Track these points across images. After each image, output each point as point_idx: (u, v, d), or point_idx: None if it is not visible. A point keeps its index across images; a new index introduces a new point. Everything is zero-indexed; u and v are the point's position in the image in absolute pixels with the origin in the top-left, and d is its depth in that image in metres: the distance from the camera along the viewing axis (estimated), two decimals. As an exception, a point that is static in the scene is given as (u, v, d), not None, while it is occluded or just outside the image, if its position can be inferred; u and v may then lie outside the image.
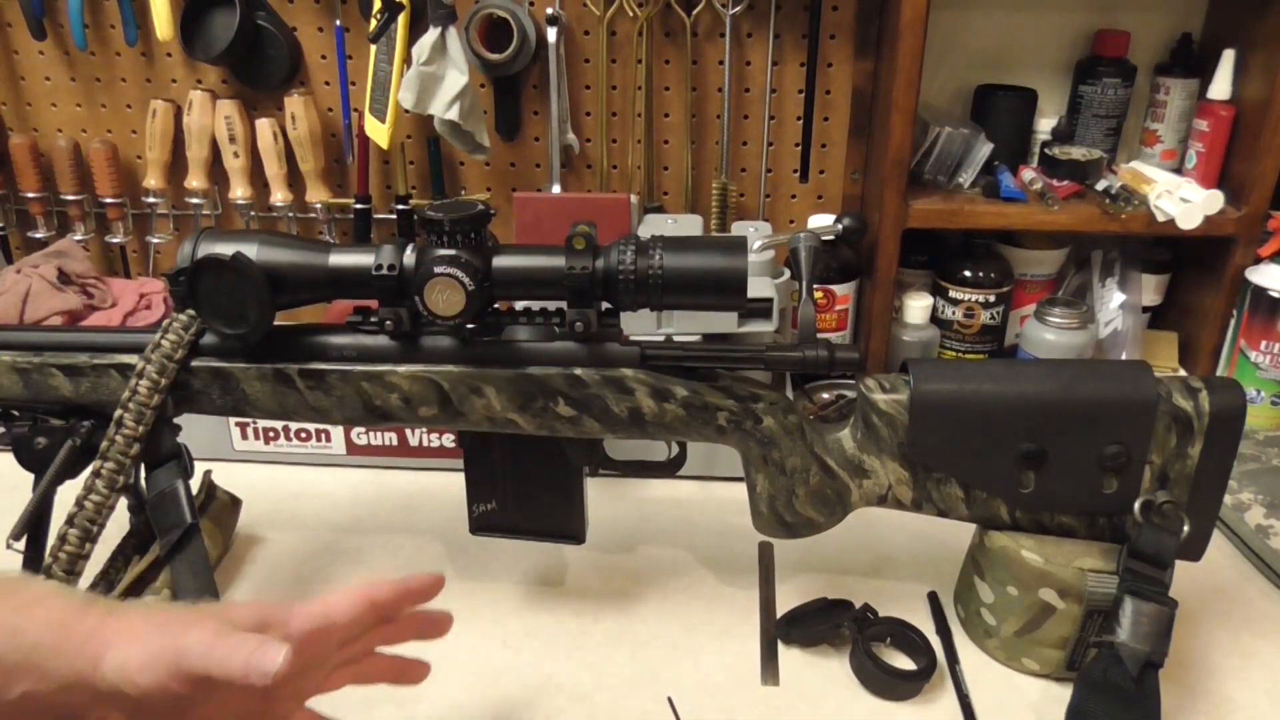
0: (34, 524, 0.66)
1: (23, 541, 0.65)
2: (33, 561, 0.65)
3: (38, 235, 1.20)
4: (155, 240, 1.19)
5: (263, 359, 0.65)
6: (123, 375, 0.65)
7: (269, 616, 0.50)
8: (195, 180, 1.15)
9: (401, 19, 1.02)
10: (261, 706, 0.51)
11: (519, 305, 0.67)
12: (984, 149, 1.02)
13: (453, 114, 1.03)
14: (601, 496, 0.89)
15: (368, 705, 0.65)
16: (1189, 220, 0.96)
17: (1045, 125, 1.08)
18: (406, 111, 1.04)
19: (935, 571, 0.78)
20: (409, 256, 0.62)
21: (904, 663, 0.69)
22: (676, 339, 0.67)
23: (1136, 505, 0.64)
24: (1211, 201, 0.96)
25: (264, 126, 1.13)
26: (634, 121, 1.12)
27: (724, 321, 0.84)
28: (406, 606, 0.58)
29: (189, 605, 0.51)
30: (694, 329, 0.86)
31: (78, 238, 1.18)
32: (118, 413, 0.63)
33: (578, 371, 0.65)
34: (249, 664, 0.45)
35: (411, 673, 0.60)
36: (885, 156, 0.97)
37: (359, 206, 1.15)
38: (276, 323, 0.64)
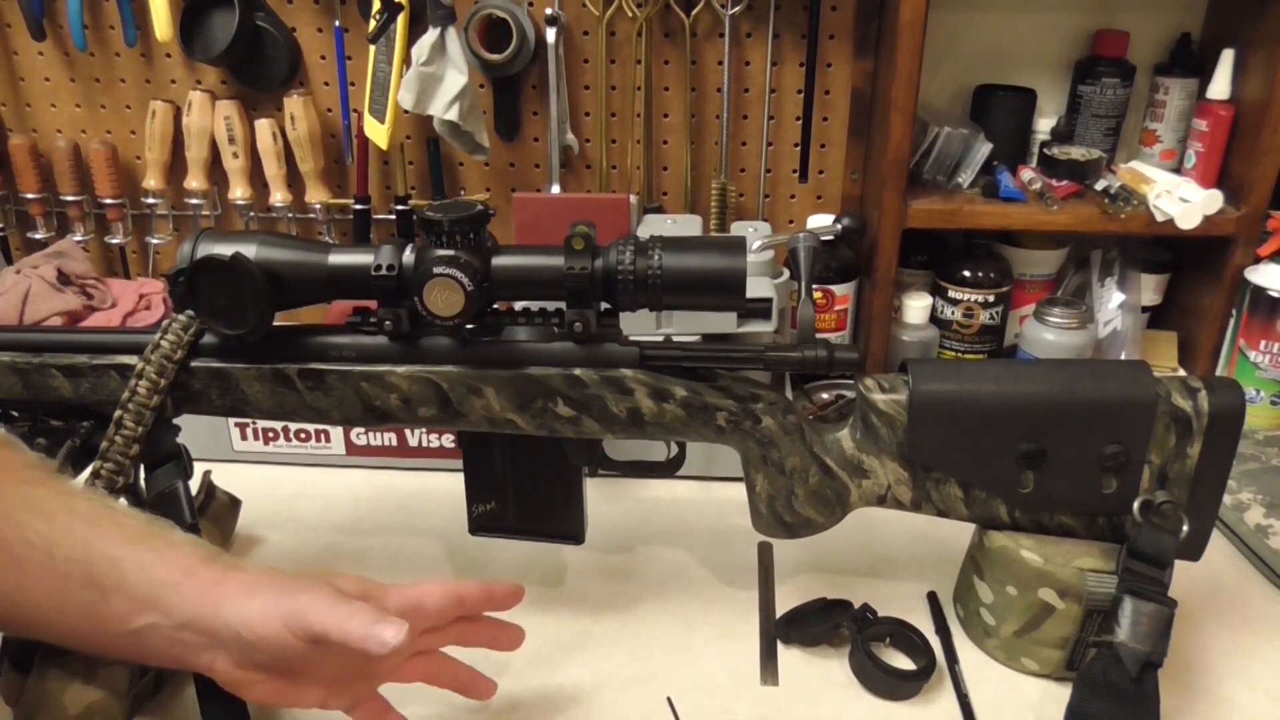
0: (33, 524, 0.66)
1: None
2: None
3: (37, 236, 1.20)
4: (155, 241, 1.19)
5: (262, 359, 0.65)
6: (122, 376, 0.65)
7: (369, 591, 0.55)
8: (195, 181, 1.15)
9: (401, 19, 1.02)
10: (347, 676, 0.56)
11: (518, 305, 0.67)
12: (983, 149, 1.02)
13: (452, 114, 1.03)
14: (601, 496, 0.89)
15: (367, 705, 0.66)
16: (1188, 220, 0.96)
17: (1044, 125, 1.08)
18: (406, 112, 1.04)
19: (935, 571, 0.78)
20: (408, 257, 0.62)
21: (903, 663, 0.69)
22: (676, 339, 0.67)
23: (1136, 505, 0.64)
24: (1211, 201, 0.96)
25: (263, 127, 1.13)
26: (633, 122, 1.12)
27: (723, 321, 0.84)
28: (486, 609, 0.61)
29: (308, 574, 0.55)
30: (693, 329, 0.86)
31: (77, 238, 1.18)
32: (117, 413, 0.63)
33: (577, 372, 0.65)
34: (369, 632, 0.50)
35: (480, 686, 0.62)
36: (885, 156, 0.97)
37: (358, 207, 1.15)
38: (276, 323, 0.64)
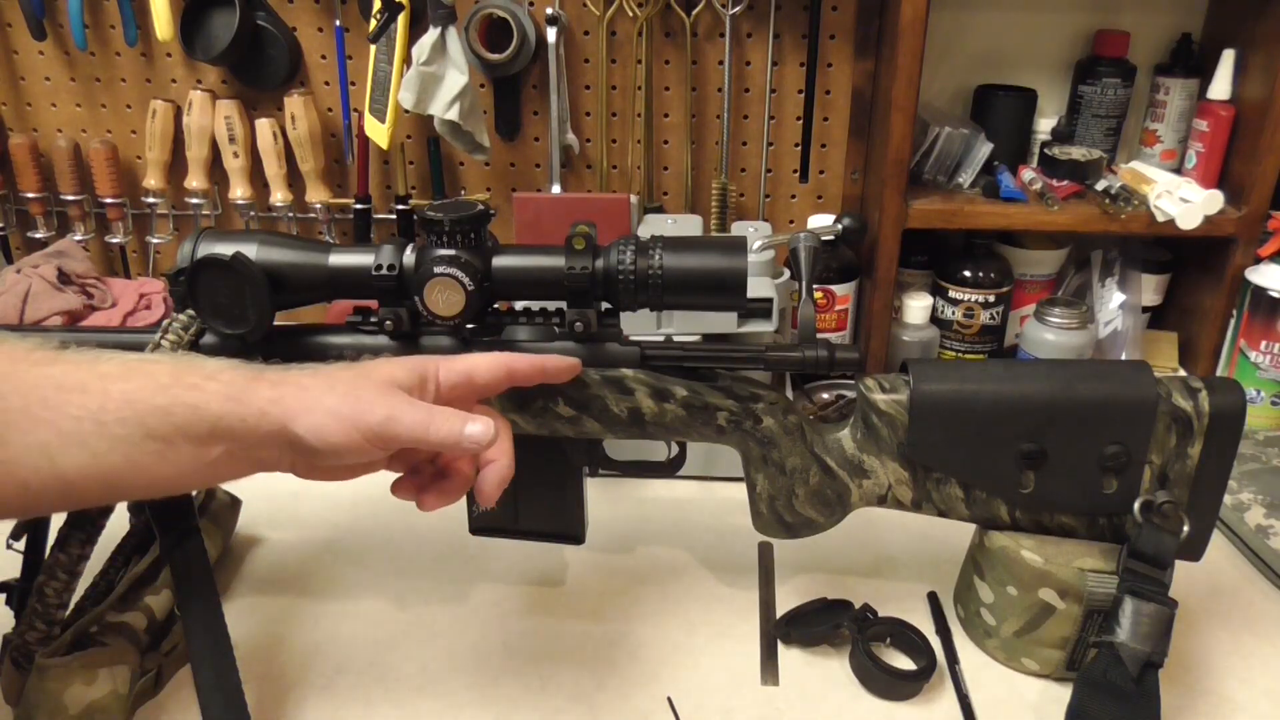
0: (34, 524, 0.66)
1: (23, 541, 0.65)
2: (32, 562, 0.65)
3: (38, 235, 1.20)
4: (155, 240, 1.19)
5: (262, 359, 0.65)
6: (123, 375, 0.65)
7: (424, 371, 0.56)
8: (195, 180, 1.15)
9: (401, 19, 1.02)
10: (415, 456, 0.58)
11: (519, 305, 0.67)
12: (984, 149, 1.02)
13: (453, 114, 1.03)
14: (601, 496, 0.89)
15: (368, 705, 0.66)
16: (1189, 220, 0.96)
17: (1045, 125, 1.09)
18: (406, 111, 1.04)
19: (935, 571, 0.78)
20: (409, 257, 0.62)
21: (904, 663, 0.69)
22: (676, 339, 0.67)
23: (1136, 505, 0.64)
24: (1211, 201, 0.96)
25: (264, 126, 1.13)
26: (634, 121, 1.12)
27: (724, 321, 0.84)
28: (538, 380, 0.62)
29: (349, 366, 0.55)
30: (694, 329, 0.86)
31: (78, 238, 1.18)
32: (118, 413, 0.63)
33: (578, 371, 0.64)
34: (461, 436, 0.52)
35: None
36: (885, 156, 0.97)
37: (359, 206, 1.15)
38: (276, 323, 0.64)
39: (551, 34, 1.06)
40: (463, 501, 0.74)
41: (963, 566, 0.73)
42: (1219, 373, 1.04)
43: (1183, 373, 1.07)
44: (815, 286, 1.03)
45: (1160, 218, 0.97)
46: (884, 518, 0.72)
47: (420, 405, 0.53)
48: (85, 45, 1.11)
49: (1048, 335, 1.01)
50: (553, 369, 0.62)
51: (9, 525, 0.65)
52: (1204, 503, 0.65)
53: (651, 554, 0.82)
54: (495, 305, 0.66)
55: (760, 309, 0.85)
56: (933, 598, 0.76)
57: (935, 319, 1.08)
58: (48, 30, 1.13)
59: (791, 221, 1.17)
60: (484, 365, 0.58)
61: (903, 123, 0.95)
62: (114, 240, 1.20)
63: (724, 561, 0.80)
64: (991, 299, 1.06)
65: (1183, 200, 0.96)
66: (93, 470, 0.49)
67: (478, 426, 0.52)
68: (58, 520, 0.62)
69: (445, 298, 0.60)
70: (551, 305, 0.65)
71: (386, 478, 0.56)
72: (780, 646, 0.71)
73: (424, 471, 0.58)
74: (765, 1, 1.05)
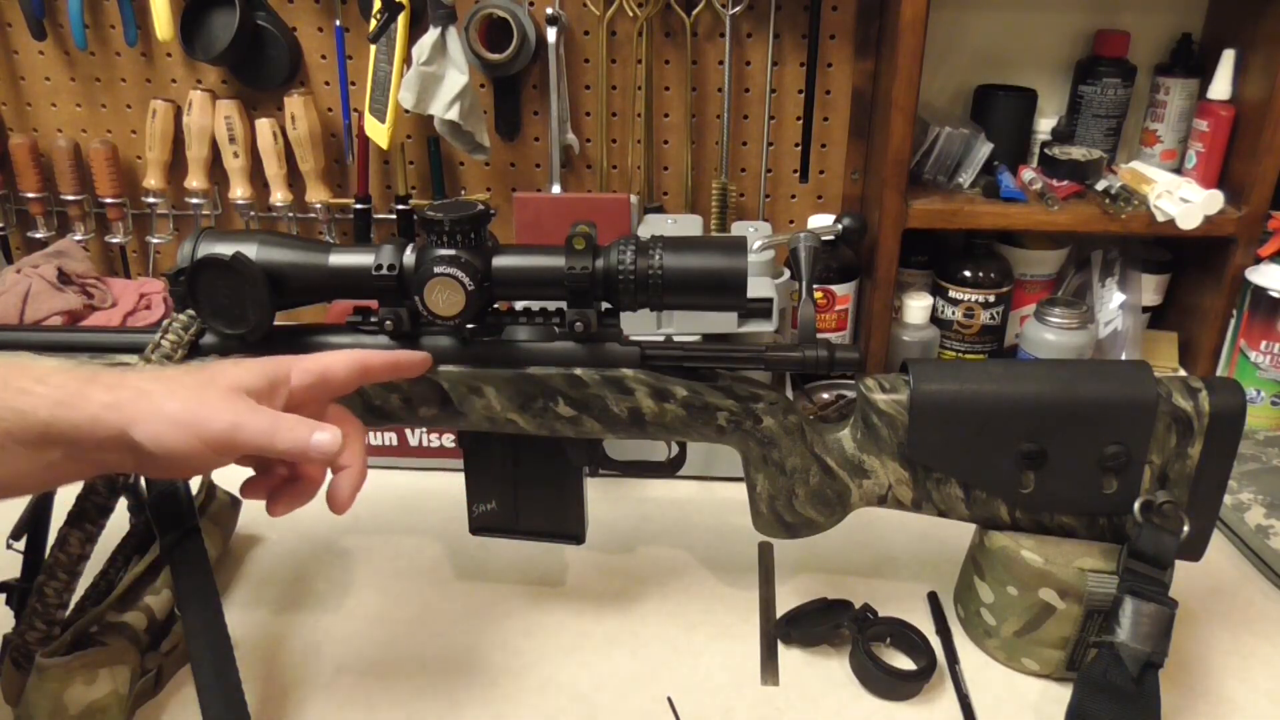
0: (34, 524, 0.66)
1: (23, 541, 0.65)
2: (32, 562, 0.65)
3: (38, 235, 1.20)
4: (155, 240, 1.19)
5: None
6: (123, 375, 0.65)
7: (274, 375, 0.54)
8: (195, 180, 1.15)
9: (401, 19, 1.02)
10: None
11: (519, 305, 0.67)
12: (984, 149, 1.02)
13: (453, 114, 1.03)
14: (601, 496, 0.89)
15: (368, 705, 0.66)
16: (1189, 220, 0.96)
17: (1045, 125, 1.09)
18: (406, 111, 1.04)
19: (935, 571, 0.78)
20: (409, 256, 0.62)
21: (904, 663, 0.69)
22: (676, 339, 0.67)
23: (1136, 505, 0.64)
24: (1211, 201, 0.96)
25: (264, 126, 1.13)
26: (634, 121, 1.12)
27: (724, 321, 0.84)
28: (391, 376, 0.62)
29: (195, 368, 0.54)
30: (694, 329, 0.86)
31: (78, 238, 1.18)
32: (118, 412, 0.63)
33: (578, 371, 0.64)
34: (308, 445, 0.50)
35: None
36: (885, 156, 0.97)
37: (359, 206, 1.15)
38: (276, 323, 0.64)
39: (551, 34, 1.06)
40: (463, 501, 0.74)
41: (963, 566, 0.73)
42: (1219, 373, 1.04)
43: (1183, 373, 1.07)
44: (815, 286, 1.03)
45: (1160, 218, 0.97)
46: (884, 518, 0.72)
47: (265, 413, 0.51)
48: (85, 45, 1.11)
49: (1048, 335, 1.01)
50: (404, 363, 0.61)
51: (9, 525, 0.65)
52: (1204, 503, 0.65)
53: (651, 554, 0.82)
54: (495, 305, 0.66)
55: (760, 309, 0.85)
56: (933, 598, 0.76)
57: (935, 319, 1.08)
58: (48, 30, 1.13)
59: (791, 221, 1.17)
60: (338, 363, 0.57)
61: (903, 123, 0.95)
62: (114, 240, 1.20)
63: (724, 561, 0.80)
64: (991, 299, 1.06)
65: (1183, 200, 0.96)
66: None
67: (325, 435, 0.51)
68: (58, 520, 0.63)
69: (445, 298, 0.60)
70: (551, 305, 0.65)
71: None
72: (780, 646, 0.71)
73: (275, 472, 0.57)
74: (765, 1, 1.05)
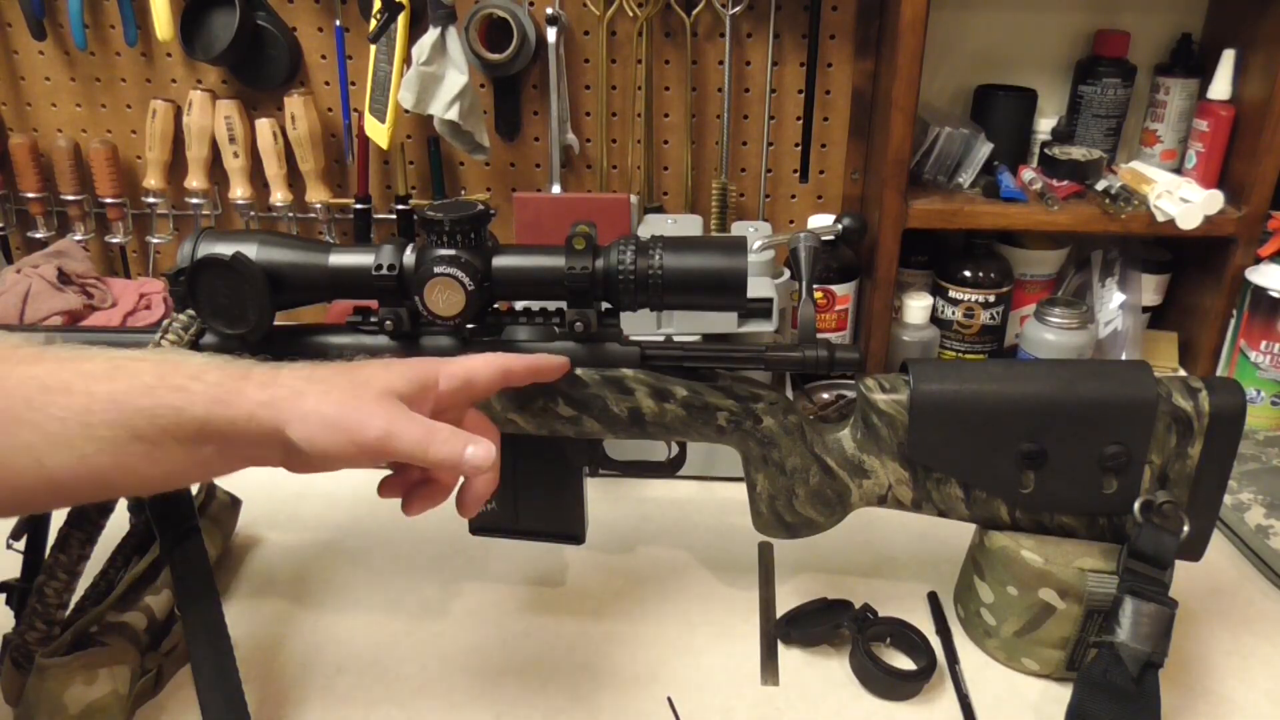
0: (34, 524, 0.66)
1: (23, 541, 0.65)
2: (32, 562, 0.65)
3: (38, 235, 1.20)
4: (155, 240, 1.19)
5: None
6: (123, 375, 0.65)
7: (424, 380, 0.54)
8: (195, 180, 1.15)
9: (401, 19, 1.02)
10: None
11: (519, 305, 0.67)
12: (984, 149, 1.02)
13: (453, 114, 1.03)
14: (601, 496, 0.89)
15: (368, 705, 0.66)
16: (1189, 220, 0.96)
17: (1045, 125, 1.09)
18: (406, 111, 1.04)
19: (935, 571, 0.78)
20: (409, 256, 0.62)
21: (904, 663, 0.69)
22: (676, 339, 0.67)
23: (1136, 505, 0.64)
24: (1211, 201, 0.96)
25: (264, 126, 1.13)
26: (634, 121, 1.12)
27: (724, 321, 0.84)
28: (531, 380, 0.62)
29: (346, 369, 0.53)
30: (694, 329, 0.86)
31: (78, 238, 1.18)
32: (118, 412, 0.63)
33: (578, 371, 0.64)
34: (462, 459, 0.50)
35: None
36: (885, 156, 0.97)
37: (359, 206, 1.15)
38: (276, 323, 0.64)
39: (551, 34, 1.06)
40: (463, 501, 0.74)
41: (963, 566, 0.73)
42: (1219, 373, 1.04)
43: (1183, 373, 1.07)
44: (815, 286, 1.03)
45: (1160, 218, 0.97)
46: (884, 518, 0.72)
47: (420, 422, 0.51)
48: (85, 45, 1.11)
49: (1048, 335, 1.01)
50: (545, 368, 0.62)
51: (9, 525, 0.65)
52: (1204, 503, 0.65)
53: (651, 554, 0.82)
54: (495, 305, 0.66)
55: (760, 309, 0.85)
56: (933, 598, 0.76)
57: (935, 319, 1.08)
58: (48, 30, 1.13)
59: (791, 221, 1.17)
60: (482, 368, 0.58)
61: (903, 123, 0.95)
62: (114, 240, 1.20)
63: (724, 561, 0.80)
64: (991, 299, 1.06)
65: (1183, 200, 0.96)
66: (81, 471, 0.48)
67: (479, 450, 0.51)
68: (58, 520, 0.63)
69: (445, 298, 0.60)
70: (551, 305, 0.65)
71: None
72: (780, 646, 0.71)
73: (411, 473, 0.57)
74: (765, 1, 1.05)
